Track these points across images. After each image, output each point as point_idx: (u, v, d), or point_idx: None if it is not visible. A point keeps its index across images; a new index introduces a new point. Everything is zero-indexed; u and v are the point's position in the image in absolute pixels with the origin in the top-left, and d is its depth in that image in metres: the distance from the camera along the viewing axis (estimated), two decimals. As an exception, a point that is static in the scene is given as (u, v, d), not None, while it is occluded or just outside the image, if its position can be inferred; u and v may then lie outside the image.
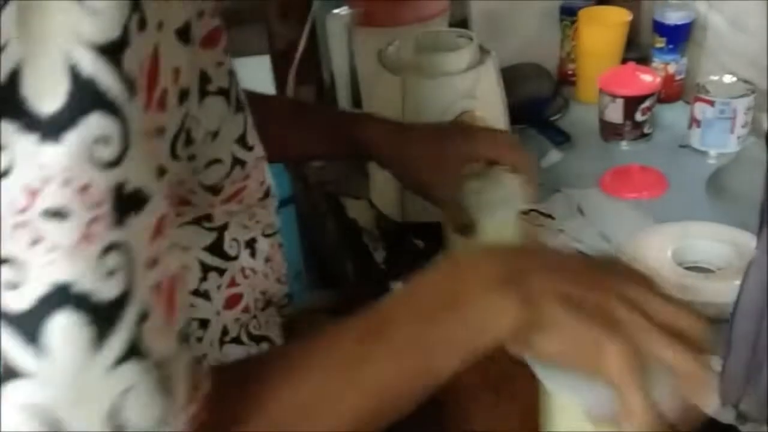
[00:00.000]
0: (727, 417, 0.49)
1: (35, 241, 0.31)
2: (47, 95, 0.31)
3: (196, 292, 0.53)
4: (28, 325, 0.31)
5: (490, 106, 0.84)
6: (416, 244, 0.86)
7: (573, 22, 1.10)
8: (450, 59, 0.81)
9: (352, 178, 0.94)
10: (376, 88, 0.83)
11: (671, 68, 1.05)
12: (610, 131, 1.00)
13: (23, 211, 0.31)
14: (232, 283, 0.55)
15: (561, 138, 1.01)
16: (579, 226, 0.85)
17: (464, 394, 0.65)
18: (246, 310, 0.57)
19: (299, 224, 1.15)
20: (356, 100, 1.03)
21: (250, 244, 0.56)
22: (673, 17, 1.03)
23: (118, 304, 0.32)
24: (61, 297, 0.31)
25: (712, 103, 0.92)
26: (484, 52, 0.85)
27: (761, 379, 0.47)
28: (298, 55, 0.93)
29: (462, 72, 0.81)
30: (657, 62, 1.06)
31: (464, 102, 0.81)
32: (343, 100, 1.03)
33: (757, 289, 0.46)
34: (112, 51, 0.32)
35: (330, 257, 0.95)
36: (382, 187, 0.87)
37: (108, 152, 0.32)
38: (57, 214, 0.31)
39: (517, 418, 0.62)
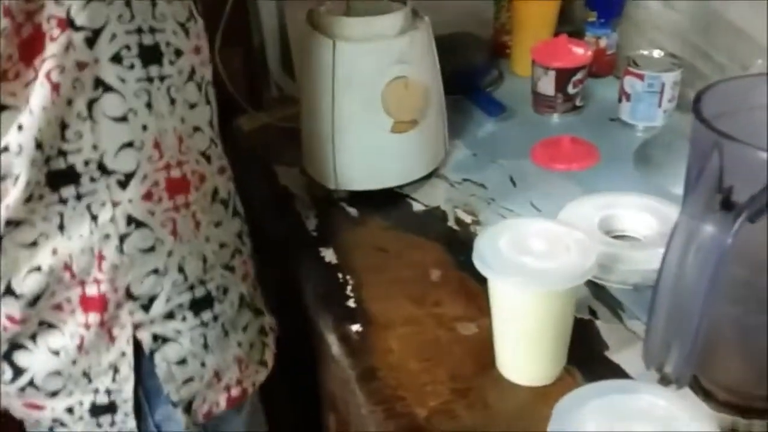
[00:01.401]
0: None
1: None
2: None
3: None
4: None
5: (423, 73, 0.82)
6: (347, 211, 0.85)
7: (508, -6, 1.10)
8: (382, 23, 0.80)
9: (284, 145, 0.92)
10: (307, 51, 0.81)
11: (603, 42, 1.07)
12: (542, 103, 1.01)
13: None
14: None
15: (495, 109, 1.01)
16: (511, 196, 0.86)
17: (395, 362, 0.64)
18: None
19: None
20: (286, 64, 1.00)
21: None
22: (606, -8, 1.04)
23: None
24: None
25: (641, 77, 0.93)
26: (417, 17, 0.84)
27: (683, 343, 0.48)
28: (225, 16, 0.89)
29: (395, 36, 0.80)
30: (589, 36, 1.07)
31: (397, 67, 0.79)
32: (273, 63, 1.00)
33: (679, 253, 0.47)
34: None
35: (261, 224, 0.92)
36: (316, 156, 0.85)
37: None
38: None
39: (446, 383, 0.62)
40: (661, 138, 0.94)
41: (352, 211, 0.85)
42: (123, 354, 0.59)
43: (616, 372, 0.61)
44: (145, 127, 0.55)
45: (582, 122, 1.00)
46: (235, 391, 0.65)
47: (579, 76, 0.98)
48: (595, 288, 0.71)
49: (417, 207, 0.85)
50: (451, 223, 0.82)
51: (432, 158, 0.88)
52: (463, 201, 0.85)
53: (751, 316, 0.51)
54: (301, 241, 0.81)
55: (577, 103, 1.00)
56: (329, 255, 0.78)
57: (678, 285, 0.47)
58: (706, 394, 0.57)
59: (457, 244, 0.78)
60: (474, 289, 0.70)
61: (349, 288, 0.73)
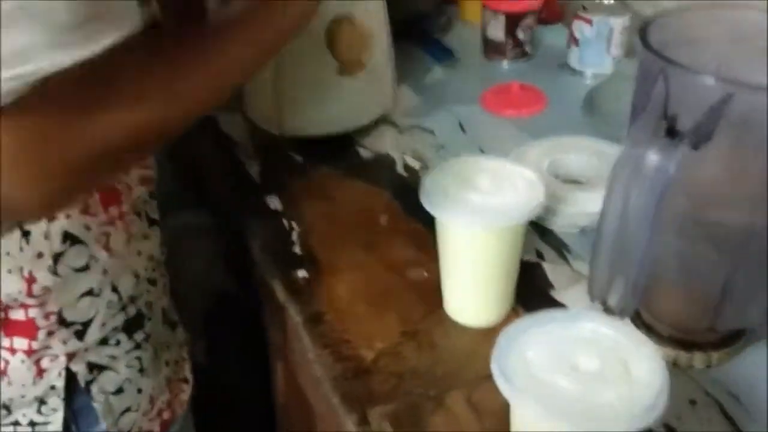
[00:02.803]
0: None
1: None
2: None
3: None
4: None
5: (370, 14, 0.80)
6: (293, 158, 0.82)
7: (457, -62, 1.08)
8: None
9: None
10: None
11: (553, -11, 1.06)
12: (492, 49, 0.99)
13: None
14: None
15: (444, 55, 0.99)
16: (460, 142, 0.85)
17: (342, 306, 0.63)
18: None
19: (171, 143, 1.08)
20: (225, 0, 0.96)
21: None
22: (556, -64, 1.02)
23: None
24: None
25: (590, 22, 0.93)
26: (364, -44, 0.81)
27: (627, 274, 0.48)
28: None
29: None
30: (539, -18, 1.05)
31: (341, 4, 0.76)
32: (212, 1, 0.95)
33: (623, 182, 0.46)
34: None
35: (203, 174, 0.89)
36: (258, 100, 0.82)
37: None
38: None
39: (394, 326, 0.61)
40: (609, 84, 0.93)
41: (298, 158, 0.82)
42: (53, 387, 0.53)
43: (563, 310, 0.61)
44: None
45: (531, 69, 1.00)
46: (166, 415, 0.62)
47: (529, 20, 0.97)
48: (542, 231, 0.70)
49: (365, 154, 0.83)
50: (399, 169, 0.81)
51: (380, 104, 0.86)
52: (412, 147, 0.84)
53: (695, 249, 0.51)
54: (245, 189, 0.79)
55: (527, 49, 0.99)
56: (274, 202, 0.76)
57: (622, 215, 0.47)
58: (648, 329, 0.57)
59: (406, 191, 0.76)
60: (422, 234, 0.69)
61: (295, 235, 0.72)
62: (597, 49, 0.94)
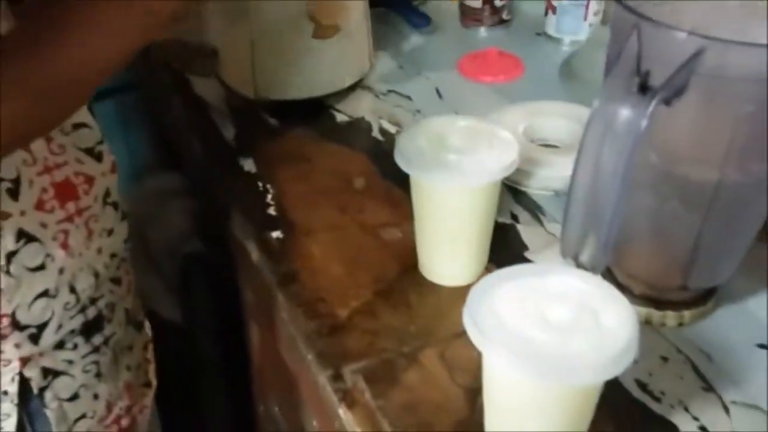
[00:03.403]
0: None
1: None
2: None
3: None
4: None
5: (347, -24, 0.79)
6: (268, 121, 0.82)
7: None
8: None
9: (198, 54, 0.87)
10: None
11: (531, -44, 1.05)
12: (469, 16, 0.99)
13: None
14: None
15: (422, 21, 0.99)
16: (436, 107, 0.84)
17: (316, 266, 0.63)
18: None
19: (146, 107, 1.06)
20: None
21: None
22: None
23: None
24: None
25: (567, -12, 0.93)
26: None
27: (599, 230, 0.48)
28: None
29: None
30: (518, -51, 1.05)
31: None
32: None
33: (596, 139, 0.46)
34: None
35: (177, 137, 0.88)
36: (234, 63, 0.81)
37: None
38: None
39: (368, 285, 0.61)
40: (585, 51, 0.93)
41: (273, 121, 0.82)
42: (5, 393, 0.51)
43: (536, 270, 0.62)
44: None
45: (509, 36, 0.99)
46: (125, 421, 0.60)
47: (506, -13, 0.96)
48: (517, 194, 0.71)
49: (341, 118, 0.83)
50: (375, 133, 0.81)
51: (356, 68, 0.85)
52: (388, 112, 0.83)
53: (666, 206, 0.52)
54: (220, 151, 0.78)
55: (504, 16, 0.99)
56: (248, 164, 0.75)
57: (594, 171, 0.47)
58: (621, 288, 0.58)
59: (382, 154, 0.76)
60: (398, 197, 0.69)
61: (269, 196, 0.71)
62: (574, 16, 0.94)
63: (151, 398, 0.64)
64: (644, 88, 0.46)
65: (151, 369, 0.65)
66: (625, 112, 0.45)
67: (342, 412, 0.51)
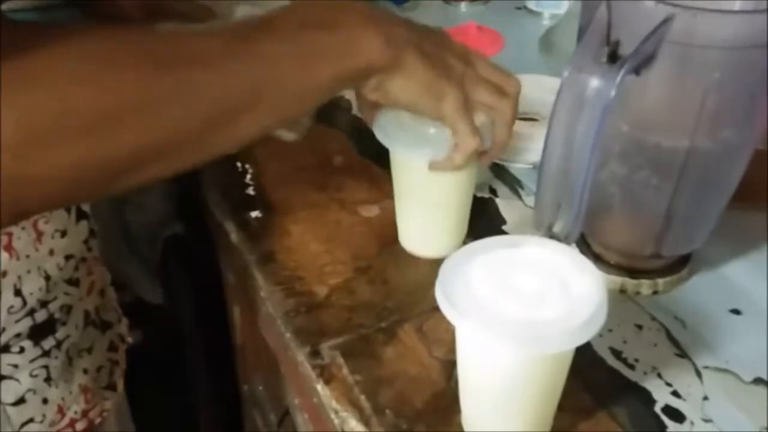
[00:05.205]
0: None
1: None
2: None
3: None
4: None
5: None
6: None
7: None
8: None
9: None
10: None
11: (510, -71, 1.04)
12: (449, -9, 0.98)
13: None
14: None
15: (401, -2, 0.98)
16: (415, 83, 0.84)
17: (295, 245, 0.63)
18: None
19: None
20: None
21: None
22: None
23: None
24: None
25: (546, -39, 0.92)
26: None
27: (571, 200, 0.48)
28: None
29: None
30: None
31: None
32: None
33: (566, 109, 0.46)
34: None
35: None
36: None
37: None
38: None
39: (347, 263, 0.61)
40: (565, 24, 0.93)
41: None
42: None
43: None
44: None
45: (489, 11, 0.99)
46: (80, 425, 0.58)
47: (484, -39, 0.95)
48: (496, 167, 0.71)
49: (320, 96, 0.82)
50: (355, 111, 0.80)
51: (334, 46, 0.84)
52: (367, 89, 0.83)
53: (637, 174, 0.52)
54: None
55: (484, -9, 0.98)
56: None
57: (566, 141, 0.47)
58: (596, 258, 0.58)
59: (361, 132, 0.76)
60: (377, 174, 0.69)
61: (248, 176, 0.71)
62: (554, -10, 0.94)
63: (116, 401, 0.63)
64: (614, 58, 0.46)
65: (118, 371, 0.63)
66: (594, 82, 0.45)
67: (320, 387, 0.51)
